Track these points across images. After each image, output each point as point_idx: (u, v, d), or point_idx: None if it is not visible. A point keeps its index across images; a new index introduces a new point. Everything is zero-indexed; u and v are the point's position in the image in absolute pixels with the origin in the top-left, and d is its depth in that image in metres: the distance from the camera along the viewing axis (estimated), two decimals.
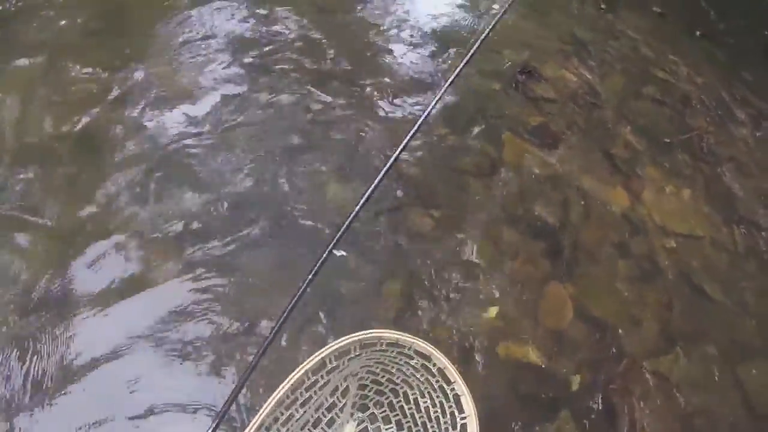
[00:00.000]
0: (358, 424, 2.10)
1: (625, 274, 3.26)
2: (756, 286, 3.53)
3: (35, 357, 2.36)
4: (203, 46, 3.67)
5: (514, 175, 3.46)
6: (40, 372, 2.33)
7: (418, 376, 1.94)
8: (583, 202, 3.47)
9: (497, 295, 2.95)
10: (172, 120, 3.23)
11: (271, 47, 3.77)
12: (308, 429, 1.96)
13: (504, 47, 4.26)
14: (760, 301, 3.48)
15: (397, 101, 3.65)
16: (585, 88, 4.17)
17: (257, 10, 3.99)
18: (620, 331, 3.03)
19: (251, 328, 2.56)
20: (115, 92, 3.31)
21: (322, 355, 1.69)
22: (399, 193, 3.17)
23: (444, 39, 4.19)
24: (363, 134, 3.41)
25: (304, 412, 1.85)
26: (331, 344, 1.71)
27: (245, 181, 3.06)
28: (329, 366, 1.74)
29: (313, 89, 3.58)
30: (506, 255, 3.13)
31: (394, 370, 2.01)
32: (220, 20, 3.86)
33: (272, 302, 2.62)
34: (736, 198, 3.94)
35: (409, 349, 1.85)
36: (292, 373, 1.65)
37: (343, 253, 1.96)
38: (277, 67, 3.67)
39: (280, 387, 1.64)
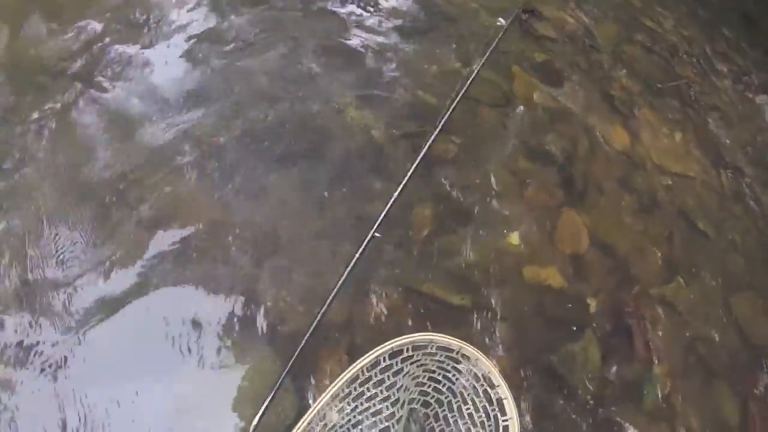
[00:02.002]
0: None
1: (630, 207, 3.41)
2: (742, 226, 3.78)
3: None
4: None
5: (526, 108, 3.51)
6: None
7: (463, 380, 1.98)
8: (588, 139, 3.54)
9: (518, 220, 3.03)
10: None
11: None
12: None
13: None
14: (746, 239, 3.72)
15: None
16: (582, 30, 4.29)
17: None
18: (630, 258, 3.13)
19: None
20: None
21: (378, 353, 1.72)
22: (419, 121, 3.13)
23: None
24: None
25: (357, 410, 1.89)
26: (385, 344, 1.74)
27: None
28: (383, 364, 1.77)
29: None
30: (523, 183, 3.18)
31: (440, 377, 2.03)
32: None
33: None
34: (721, 145, 4.18)
35: (457, 353, 1.88)
36: (349, 368, 1.70)
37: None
38: None
39: (337, 380, 1.69)
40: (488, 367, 1.84)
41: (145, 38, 3.17)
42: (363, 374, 1.75)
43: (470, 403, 1.96)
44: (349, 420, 1.90)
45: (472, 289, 2.69)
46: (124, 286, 2.29)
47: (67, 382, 2.05)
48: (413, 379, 1.99)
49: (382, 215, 2.00)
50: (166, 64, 3.09)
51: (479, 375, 1.87)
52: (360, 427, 1.95)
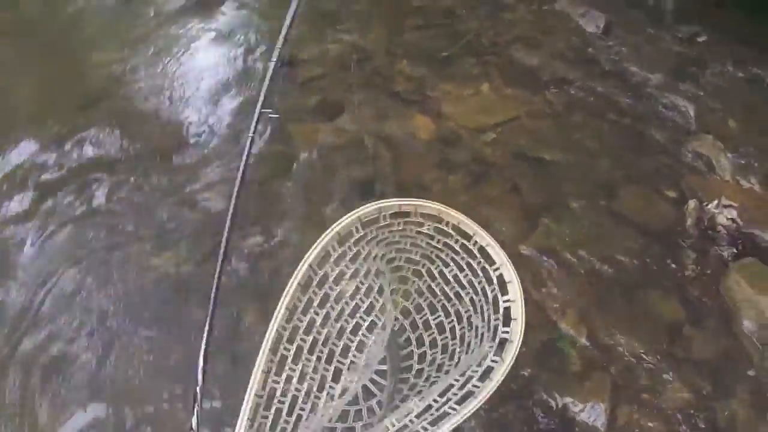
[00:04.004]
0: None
1: (461, 186, 3.17)
2: (591, 130, 3.60)
3: None
4: None
5: (312, 158, 3.28)
6: None
7: (458, 258, 1.85)
8: (390, 148, 3.34)
9: None
10: None
11: None
12: (346, 318, 1.90)
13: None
14: (601, 140, 3.53)
15: None
16: (349, 49, 4.13)
17: None
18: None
19: None
20: None
21: (350, 218, 1.69)
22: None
23: None
24: None
25: (341, 301, 1.84)
26: (356, 210, 1.69)
27: None
28: (357, 235, 1.73)
29: None
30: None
31: (430, 253, 1.93)
32: None
33: None
34: (534, 67, 4.01)
35: (447, 224, 1.79)
36: (319, 239, 1.66)
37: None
38: None
39: (310, 251, 1.65)
40: (486, 240, 1.74)
41: None
42: (334, 250, 1.72)
43: (467, 285, 1.87)
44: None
45: None
46: None
47: None
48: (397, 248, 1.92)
49: None
50: None
51: (475, 251, 1.77)
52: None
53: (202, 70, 4.02)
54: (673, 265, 2.90)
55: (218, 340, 2.02)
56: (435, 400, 1.57)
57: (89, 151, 3.45)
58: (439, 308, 2.00)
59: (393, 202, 1.78)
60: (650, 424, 2.31)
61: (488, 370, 1.57)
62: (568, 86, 3.81)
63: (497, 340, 1.65)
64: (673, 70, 4.26)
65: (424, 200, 1.82)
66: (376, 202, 1.77)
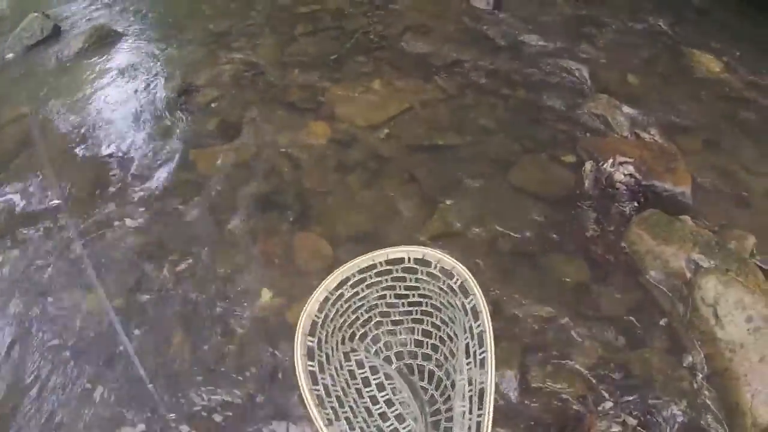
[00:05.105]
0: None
1: (360, 185, 3.18)
2: (484, 108, 3.65)
3: None
4: None
5: (215, 180, 3.27)
6: None
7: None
8: (287, 158, 3.33)
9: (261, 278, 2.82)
10: None
11: None
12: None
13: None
14: (495, 117, 3.59)
15: None
16: (243, 66, 4.11)
17: None
18: (381, 230, 2.96)
19: None
20: None
21: (344, 268, 1.91)
22: None
23: None
24: None
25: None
26: (354, 260, 1.92)
27: None
28: (352, 280, 1.96)
29: None
30: (253, 241, 2.98)
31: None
32: None
33: None
34: (426, 55, 4.03)
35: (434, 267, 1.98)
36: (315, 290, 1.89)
37: None
38: None
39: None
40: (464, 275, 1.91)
41: None
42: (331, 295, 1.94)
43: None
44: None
45: None
46: None
47: None
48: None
49: None
50: None
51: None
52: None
53: (110, 108, 3.98)
54: (576, 228, 2.91)
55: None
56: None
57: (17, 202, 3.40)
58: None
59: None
60: (563, 384, 2.34)
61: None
62: (460, 68, 3.84)
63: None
64: (568, 35, 4.32)
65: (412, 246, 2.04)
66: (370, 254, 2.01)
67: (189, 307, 2.71)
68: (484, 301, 1.84)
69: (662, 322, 2.60)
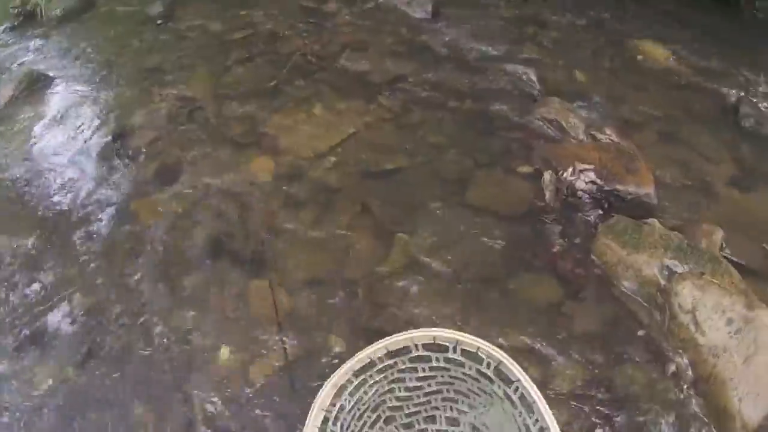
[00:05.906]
0: None
1: (311, 222, 3.04)
2: (432, 124, 3.52)
3: None
4: None
5: (160, 231, 3.11)
6: None
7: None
8: (235, 203, 3.17)
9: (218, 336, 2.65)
10: None
11: None
12: None
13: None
14: (444, 132, 3.46)
15: None
16: (177, 106, 3.90)
17: None
18: (346, 268, 2.80)
19: None
20: None
21: (335, 378, 1.66)
22: None
23: None
24: None
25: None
26: (346, 363, 1.67)
27: None
28: (349, 388, 1.70)
29: None
30: (205, 295, 2.82)
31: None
32: None
33: None
34: (365, 73, 3.92)
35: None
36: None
37: None
38: None
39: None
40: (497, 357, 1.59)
41: None
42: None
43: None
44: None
45: None
46: None
47: None
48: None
49: None
50: None
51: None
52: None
53: (44, 160, 3.77)
54: (541, 245, 2.80)
55: None
56: None
57: None
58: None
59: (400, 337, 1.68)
60: None
61: None
62: (403, 83, 3.72)
63: None
64: (512, 37, 4.23)
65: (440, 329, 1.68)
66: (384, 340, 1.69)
67: (146, 374, 2.54)
68: (535, 388, 1.52)
69: (641, 333, 2.51)
